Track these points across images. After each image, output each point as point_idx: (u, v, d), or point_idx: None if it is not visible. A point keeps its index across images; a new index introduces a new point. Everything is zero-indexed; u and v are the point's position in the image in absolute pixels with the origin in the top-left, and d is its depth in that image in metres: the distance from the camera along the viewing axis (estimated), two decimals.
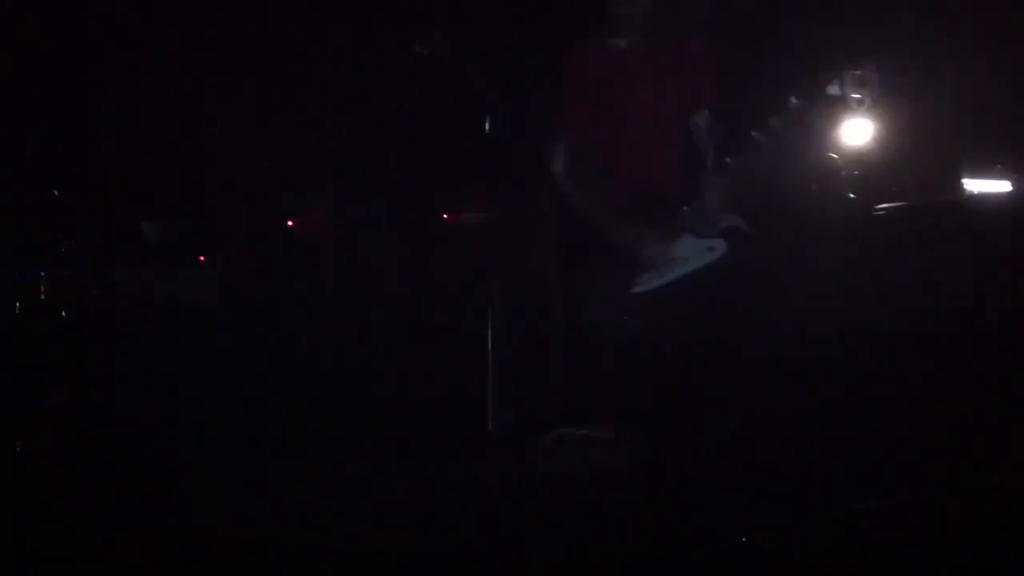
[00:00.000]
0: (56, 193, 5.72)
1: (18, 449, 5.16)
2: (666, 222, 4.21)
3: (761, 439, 4.30)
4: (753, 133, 4.09)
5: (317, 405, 5.66)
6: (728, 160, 4.18)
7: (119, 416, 5.49)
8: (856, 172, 5.24)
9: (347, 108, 6.18)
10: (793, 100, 4.07)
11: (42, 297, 5.57)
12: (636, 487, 4.23)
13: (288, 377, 5.71)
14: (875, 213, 5.20)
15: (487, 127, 4.98)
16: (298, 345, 5.85)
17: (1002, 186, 5.37)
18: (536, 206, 5.50)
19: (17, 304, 5.57)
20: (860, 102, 4.32)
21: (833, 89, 4.31)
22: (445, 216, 6.26)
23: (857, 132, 5.22)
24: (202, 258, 6.21)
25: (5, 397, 5.35)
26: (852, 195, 5.20)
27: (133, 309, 5.78)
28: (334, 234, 6.29)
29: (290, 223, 6.49)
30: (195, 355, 5.72)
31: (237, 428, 5.49)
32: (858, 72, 4.26)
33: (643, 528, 3.89)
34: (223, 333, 5.83)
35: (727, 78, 4.42)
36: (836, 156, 5.14)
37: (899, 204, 5.24)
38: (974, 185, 5.44)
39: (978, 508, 3.76)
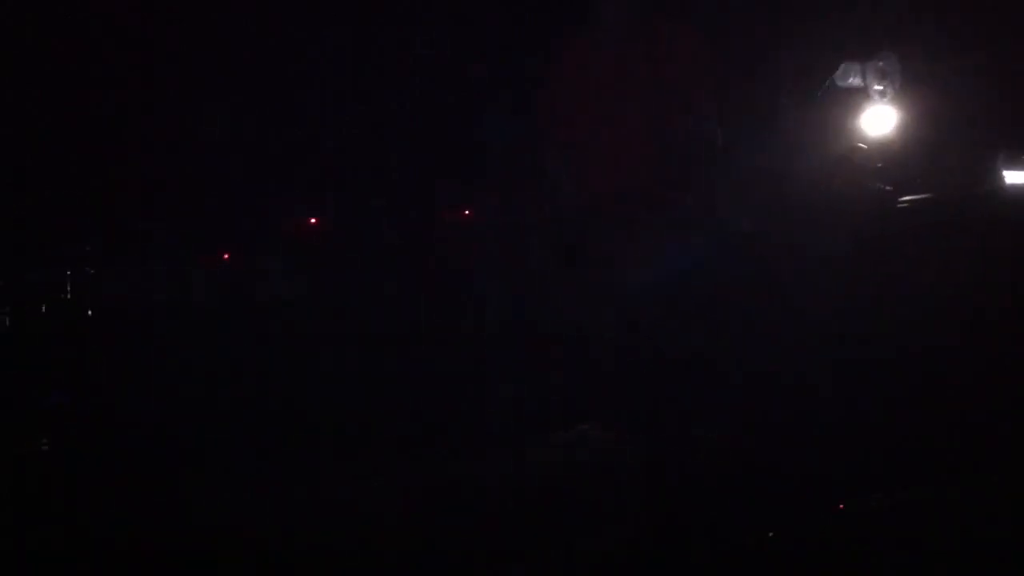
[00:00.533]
0: (58, 194, 5.72)
1: (18, 449, 5.16)
2: (651, 224, 4.22)
3: (761, 439, 4.31)
4: (749, 131, 4.09)
5: (317, 405, 5.65)
6: (726, 160, 4.18)
7: (119, 415, 5.49)
8: (880, 164, 5.18)
9: (346, 108, 6.18)
10: (783, 99, 4.07)
11: (45, 297, 5.58)
12: (636, 487, 4.23)
13: (288, 376, 5.71)
14: (890, 206, 5.16)
15: (487, 126, 4.99)
16: (298, 344, 5.85)
17: None
18: (536, 206, 5.50)
19: (20, 304, 5.57)
20: (882, 93, 4.31)
21: (854, 80, 4.30)
22: (448, 215, 6.26)
23: (881, 122, 5.13)
24: (226, 256, 6.21)
25: (6, 396, 5.36)
26: (881, 186, 5.14)
27: (134, 309, 5.77)
28: (334, 233, 6.28)
29: (307, 219, 6.47)
30: (196, 354, 5.72)
31: (237, 428, 5.49)
32: (880, 63, 4.25)
33: (643, 528, 3.89)
34: (223, 333, 5.83)
35: (720, 78, 4.42)
36: (864, 146, 5.09)
37: (916, 196, 5.20)
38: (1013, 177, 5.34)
39: (979, 508, 3.76)
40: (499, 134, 5.07)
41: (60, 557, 3.95)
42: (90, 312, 5.77)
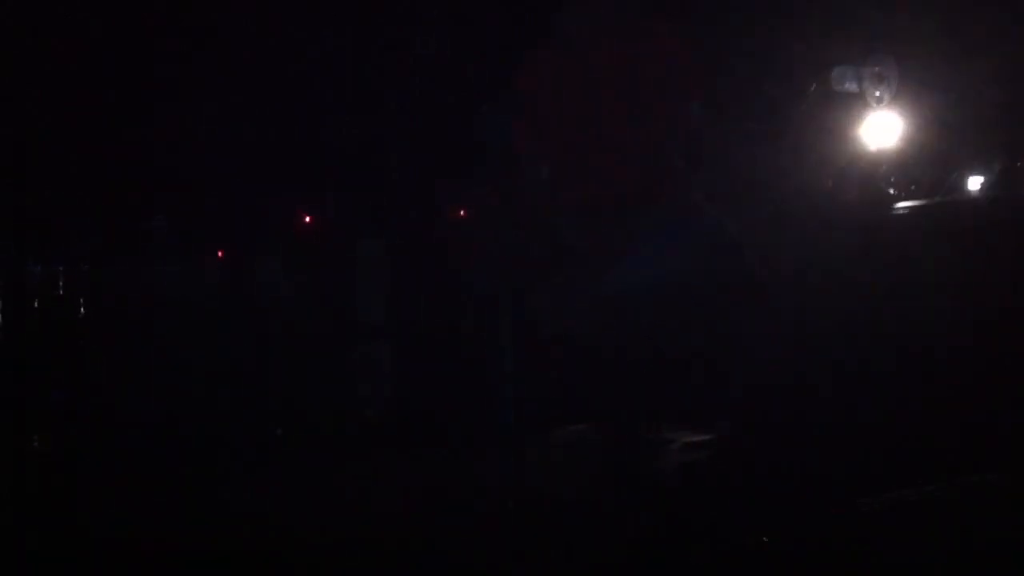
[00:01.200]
0: (58, 191, 5.72)
1: (20, 447, 5.16)
2: (628, 225, 4.22)
3: (761, 439, 4.31)
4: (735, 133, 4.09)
5: (318, 404, 5.66)
6: (726, 159, 4.18)
7: (119, 414, 5.49)
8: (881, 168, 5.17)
9: (346, 108, 6.18)
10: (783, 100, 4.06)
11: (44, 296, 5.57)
12: (636, 487, 4.23)
13: (288, 376, 5.71)
14: (889, 211, 5.16)
15: (485, 127, 4.98)
16: (298, 344, 5.85)
17: None
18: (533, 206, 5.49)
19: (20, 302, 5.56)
20: (879, 98, 4.31)
21: (850, 85, 4.30)
22: (448, 215, 6.24)
23: (880, 128, 5.09)
24: (220, 253, 6.20)
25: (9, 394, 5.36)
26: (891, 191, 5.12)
27: (134, 307, 5.76)
28: (333, 233, 6.27)
29: (308, 219, 6.45)
30: (196, 354, 5.72)
31: (238, 427, 5.49)
32: (876, 68, 4.25)
33: (643, 528, 3.89)
34: (223, 332, 5.82)
35: (720, 78, 4.41)
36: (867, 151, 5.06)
37: (912, 203, 5.20)
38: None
39: (979, 508, 3.76)
40: (499, 134, 5.06)
41: (60, 557, 3.95)
42: (87, 311, 5.77)
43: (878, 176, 5.13)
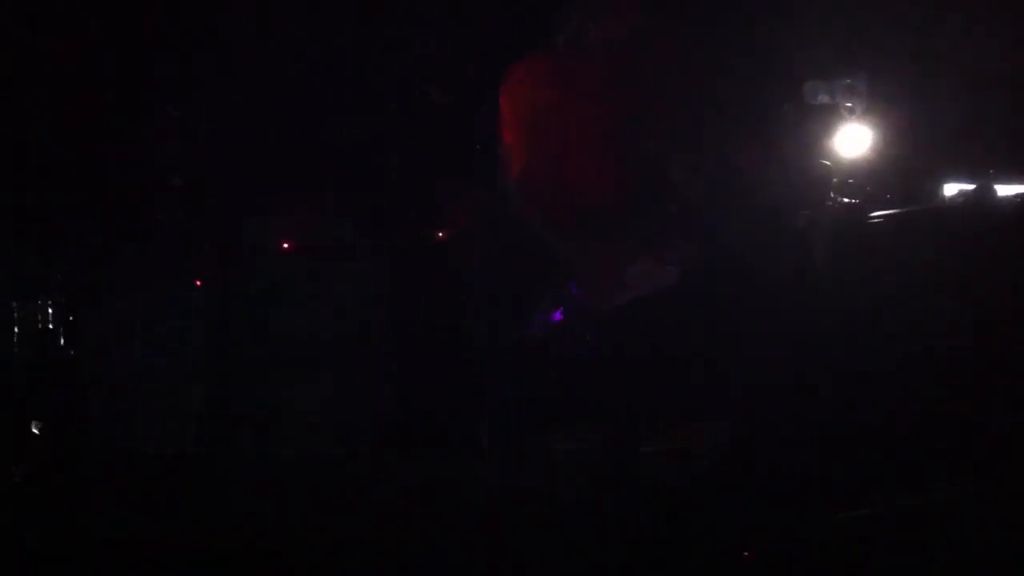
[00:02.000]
0: (59, 191, 5.71)
1: (20, 447, 5.15)
2: (621, 239, 4.22)
3: (761, 439, 4.31)
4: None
5: (317, 405, 5.65)
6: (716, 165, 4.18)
7: (118, 415, 5.49)
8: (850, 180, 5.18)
9: (346, 108, 6.18)
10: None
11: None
12: (636, 487, 4.23)
13: (288, 377, 5.71)
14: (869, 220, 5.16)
15: (485, 127, 4.98)
16: (298, 345, 5.84)
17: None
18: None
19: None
20: (851, 110, 4.33)
21: (823, 98, 4.32)
22: (448, 215, 6.23)
23: (853, 140, 5.11)
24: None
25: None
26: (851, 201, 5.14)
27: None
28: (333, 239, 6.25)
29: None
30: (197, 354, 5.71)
31: (241, 427, 5.49)
32: (848, 80, 4.27)
33: (643, 528, 3.89)
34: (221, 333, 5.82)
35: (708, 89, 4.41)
36: (830, 163, 5.08)
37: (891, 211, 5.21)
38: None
39: (979, 509, 3.76)
40: (499, 134, 5.06)
41: (60, 557, 3.96)
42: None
43: (853, 185, 5.13)
